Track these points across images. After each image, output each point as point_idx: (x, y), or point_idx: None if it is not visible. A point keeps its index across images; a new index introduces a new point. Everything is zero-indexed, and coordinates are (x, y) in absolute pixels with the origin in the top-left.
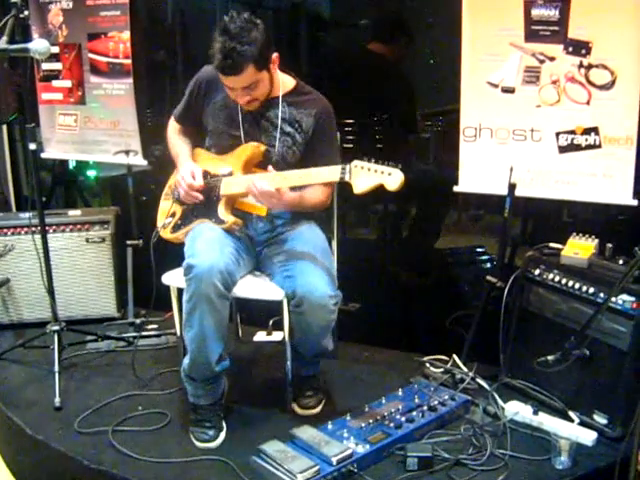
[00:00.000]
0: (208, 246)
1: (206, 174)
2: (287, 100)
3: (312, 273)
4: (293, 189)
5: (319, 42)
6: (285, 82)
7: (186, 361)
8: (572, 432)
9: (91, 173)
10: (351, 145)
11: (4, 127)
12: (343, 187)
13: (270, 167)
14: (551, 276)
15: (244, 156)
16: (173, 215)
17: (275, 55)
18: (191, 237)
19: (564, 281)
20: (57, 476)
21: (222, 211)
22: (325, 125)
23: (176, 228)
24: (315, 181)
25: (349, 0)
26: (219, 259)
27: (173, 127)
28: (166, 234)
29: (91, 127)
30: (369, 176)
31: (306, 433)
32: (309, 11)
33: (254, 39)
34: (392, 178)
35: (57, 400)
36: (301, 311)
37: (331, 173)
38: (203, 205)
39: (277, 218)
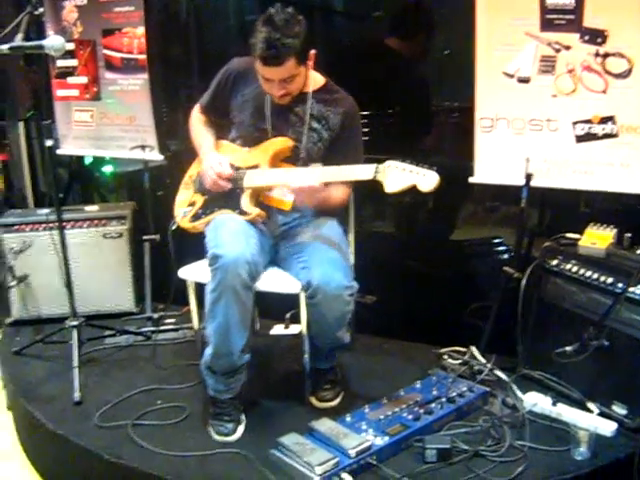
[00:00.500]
0: (234, 237)
1: (231, 166)
2: (316, 97)
3: (327, 264)
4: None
5: (334, 35)
6: (315, 79)
7: (208, 352)
8: (591, 423)
9: (107, 169)
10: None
11: (21, 124)
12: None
13: (314, 164)
14: (569, 266)
15: (272, 150)
16: (193, 204)
17: (313, 52)
18: (214, 227)
19: (582, 271)
20: (77, 470)
21: (246, 203)
22: (352, 124)
23: (196, 217)
24: (347, 178)
25: None
26: (245, 250)
27: (197, 117)
28: (185, 223)
29: (107, 123)
30: (403, 176)
31: (324, 425)
32: (323, 2)
33: (297, 33)
34: (426, 179)
35: (77, 395)
36: (316, 302)
37: (364, 171)
38: (226, 196)
39: (296, 212)
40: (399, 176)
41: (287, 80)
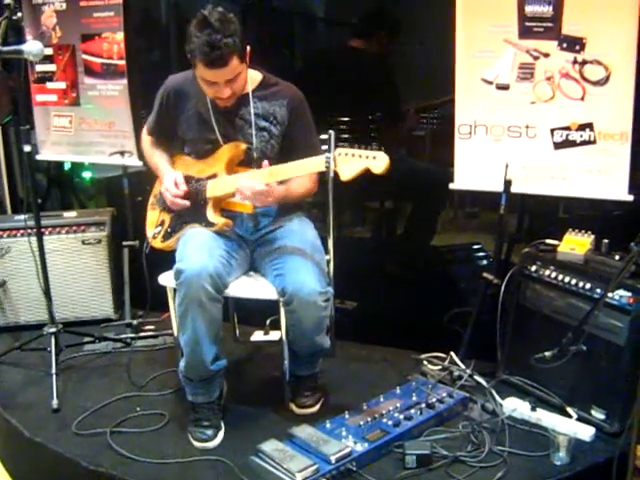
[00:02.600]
0: (197, 250)
1: (190, 179)
2: (257, 95)
3: (301, 270)
4: (280, 183)
5: (303, 40)
6: (252, 77)
7: (182, 363)
8: (570, 428)
9: (86, 174)
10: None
11: None
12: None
13: (265, 162)
14: (548, 272)
15: (225, 157)
16: (162, 224)
17: (249, 48)
18: (182, 242)
19: (561, 277)
20: (55, 478)
21: (211, 214)
22: (299, 112)
23: (167, 236)
24: (301, 173)
25: None
26: (208, 262)
27: (147, 140)
28: (157, 244)
29: (86, 128)
30: (354, 162)
31: (304, 432)
32: (295, 8)
33: (235, 31)
34: (377, 161)
35: (55, 402)
36: (292, 309)
37: (316, 163)
38: (191, 210)
39: (264, 216)
40: (350, 162)
41: (232, 80)
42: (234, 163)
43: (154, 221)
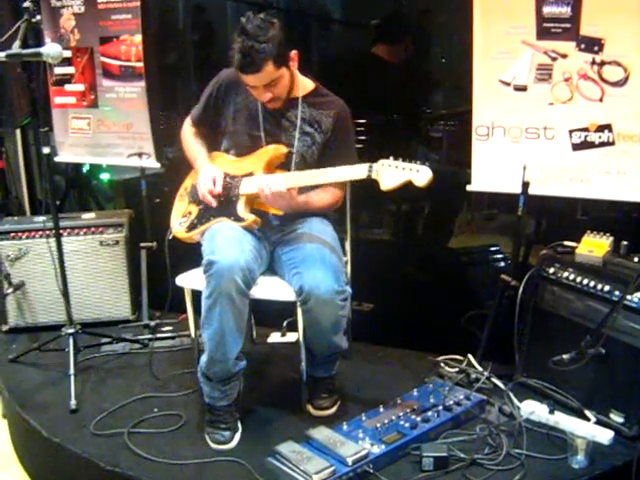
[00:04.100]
0: (228, 243)
1: (226, 175)
2: (307, 101)
3: (318, 269)
4: (301, 192)
5: (326, 44)
6: (305, 84)
7: (204, 359)
8: (588, 431)
9: (104, 176)
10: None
11: (18, 131)
12: (357, 188)
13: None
14: (566, 274)
15: (266, 157)
16: (188, 215)
17: (294, 52)
18: (209, 235)
19: (579, 279)
20: (73, 478)
21: (242, 209)
22: (343, 126)
23: (191, 227)
24: (341, 178)
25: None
26: (240, 256)
27: (189, 130)
28: (180, 233)
29: (104, 130)
30: (396, 173)
31: (321, 434)
32: (318, 12)
33: (271, 37)
34: (420, 174)
35: (73, 402)
36: (309, 307)
37: (358, 171)
38: (221, 204)
39: (293, 217)
40: (393, 173)
41: (271, 84)
42: (273, 165)
43: (181, 211)
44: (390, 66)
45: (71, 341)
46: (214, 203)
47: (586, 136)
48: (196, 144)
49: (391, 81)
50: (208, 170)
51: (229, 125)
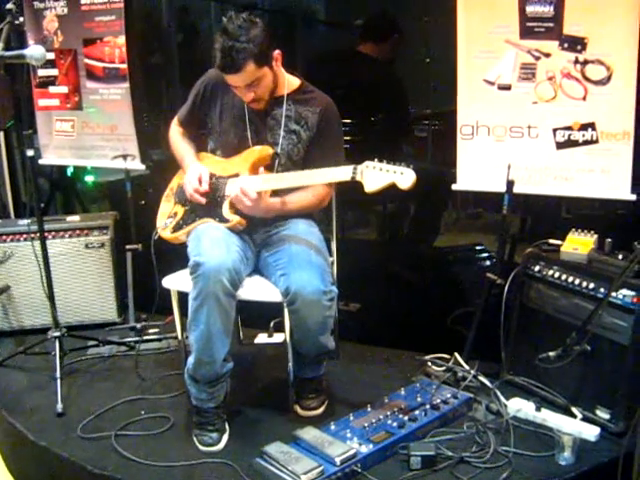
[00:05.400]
0: (215, 244)
1: (211, 176)
2: (292, 98)
3: (304, 269)
4: (274, 194)
5: (312, 43)
6: (290, 81)
7: (191, 361)
8: (575, 428)
9: (89, 178)
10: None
11: (1, 134)
12: (342, 189)
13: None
14: (551, 272)
15: (252, 158)
16: (174, 216)
17: (277, 52)
18: (195, 236)
19: (564, 277)
20: None
21: (227, 210)
22: (329, 122)
23: (177, 228)
24: (326, 180)
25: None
26: (226, 257)
27: (176, 130)
28: (166, 234)
29: (88, 132)
30: (381, 175)
31: (309, 434)
32: (303, 12)
33: (253, 37)
34: (404, 177)
35: (59, 406)
36: (295, 308)
37: (342, 172)
38: (206, 206)
39: (278, 219)
40: (377, 175)
41: (253, 84)
42: (259, 166)
43: (167, 212)
44: (376, 64)
45: (57, 344)
46: (203, 200)
47: (570, 135)
48: (184, 144)
49: (377, 80)
50: (195, 168)
51: (215, 125)
